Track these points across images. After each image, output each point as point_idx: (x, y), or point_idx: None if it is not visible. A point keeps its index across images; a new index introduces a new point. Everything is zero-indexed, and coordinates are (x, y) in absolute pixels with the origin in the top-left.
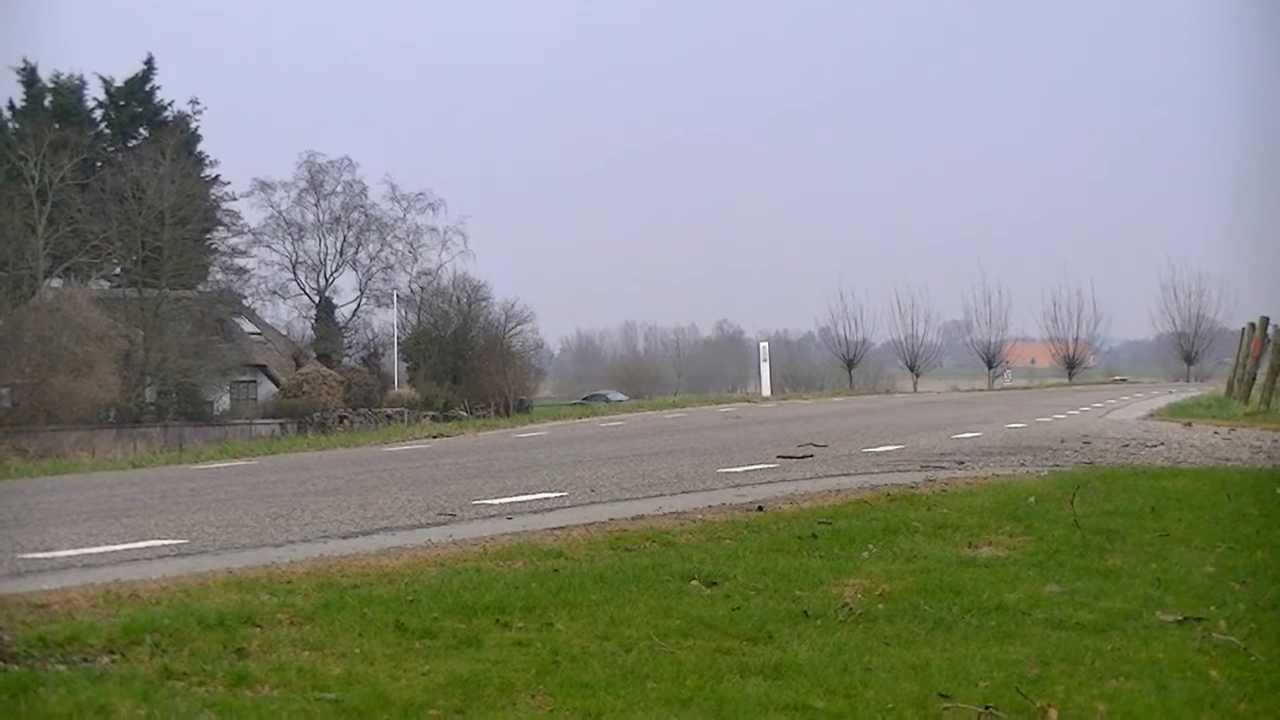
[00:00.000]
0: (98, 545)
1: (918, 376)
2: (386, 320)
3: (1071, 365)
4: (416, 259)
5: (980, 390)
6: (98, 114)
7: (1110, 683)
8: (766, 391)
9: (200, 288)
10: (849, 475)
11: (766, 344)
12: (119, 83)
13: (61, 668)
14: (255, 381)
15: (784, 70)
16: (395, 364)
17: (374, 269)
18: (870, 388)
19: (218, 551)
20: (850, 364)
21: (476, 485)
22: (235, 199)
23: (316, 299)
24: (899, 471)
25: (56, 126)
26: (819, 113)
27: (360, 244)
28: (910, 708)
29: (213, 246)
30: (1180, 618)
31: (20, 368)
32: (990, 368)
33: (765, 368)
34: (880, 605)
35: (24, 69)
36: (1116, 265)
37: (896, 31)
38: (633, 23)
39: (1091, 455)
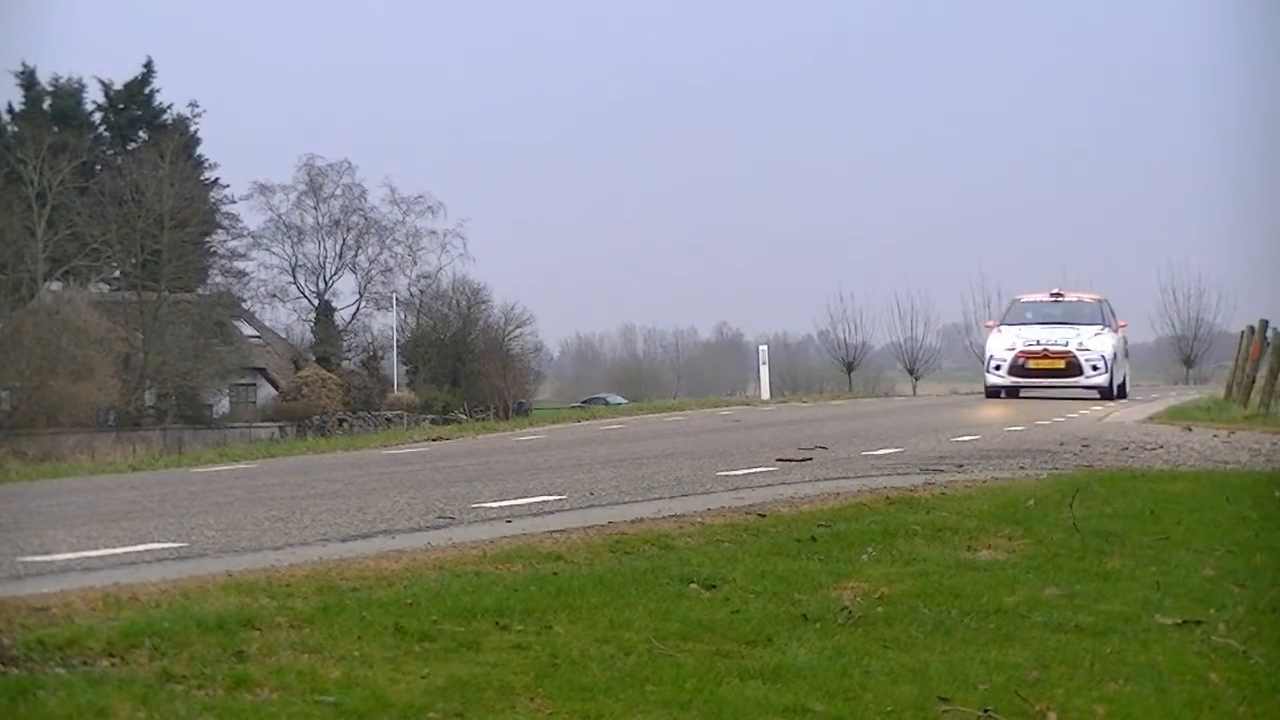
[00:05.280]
0: (97, 548)
1: (917, 379)
2: (386, 323)
3: None
4: (416, 262)
5: (979, 393)
6: (97, 117)
7: (1110, 685)
8: (766, 395)
9: (199, 291)
10: (848, 478)
11: (766, 347)
12: (118, 86)
13: (61, 671)
14: (254, 384)
15: (781, 70)
16: (394, 367)
17: (373, 272)
18: (870, 391)
19: (217, 555)
20: (849, 367)
21: (476, 488)
22: (234, 202)
23: (316, 302)
24: (898, 474)
25: (55, 130)
26: (816, 114)
27: (360, 247)
28: (909, 710)
29: (212, 250)
30: (1179, 621)
31: (20, 371)
32: None
33: (764, 371)
34: (879, 608)
35: (23, 72)
36: (1116, 268)
37: (894, 31)
38: (632, 25)
39: (1090, 458)
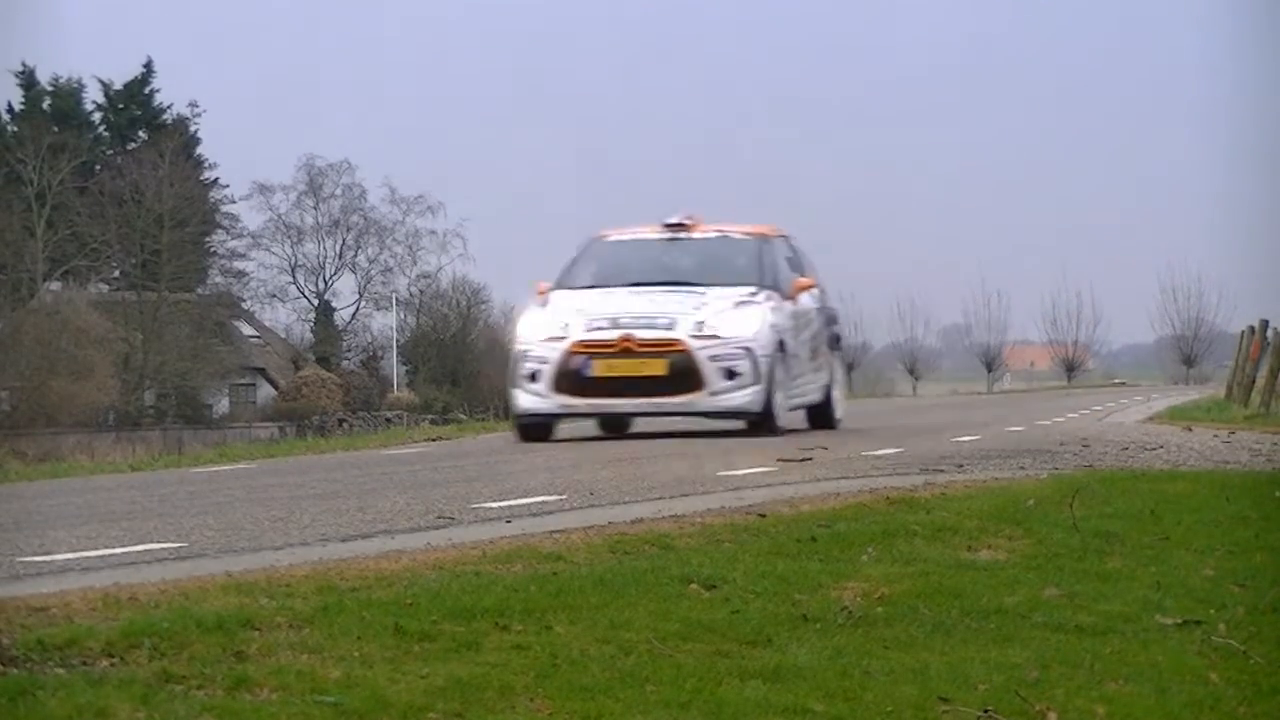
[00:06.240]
0: (96, 549)
1: (917, 380)
2: (385, 323)
3: (1071, 368)
4: (415, 262)
5: (979, 393)
6: (96, 117)
7: (1110, 686)
8: None
9: (199, 291)
10: (848, 478)
11: None
12: (118, 86)
13: (60, 671)
14: (254, 384)
15: (782, 68)
16: (394, 367)
17: (373, 272)
18: (870, 391)
19: (216, 555)
20: (850, 367)
21: (475, 488)
22: (234, 202)
23: (315, 302)
24: (898, 475)
25: (55, 129)
26: (816, 113)
27: (359, 247)
28: (909, 711)
29: (211, 249)
30: (1180, 621)
31: (19, 371)
32: (989, 371)
33: None
34: (879, 608)
35: (22, 72)
36: (1116, 268)
37: (893, 35)
38: (629, 25)
39: (1091, 458)
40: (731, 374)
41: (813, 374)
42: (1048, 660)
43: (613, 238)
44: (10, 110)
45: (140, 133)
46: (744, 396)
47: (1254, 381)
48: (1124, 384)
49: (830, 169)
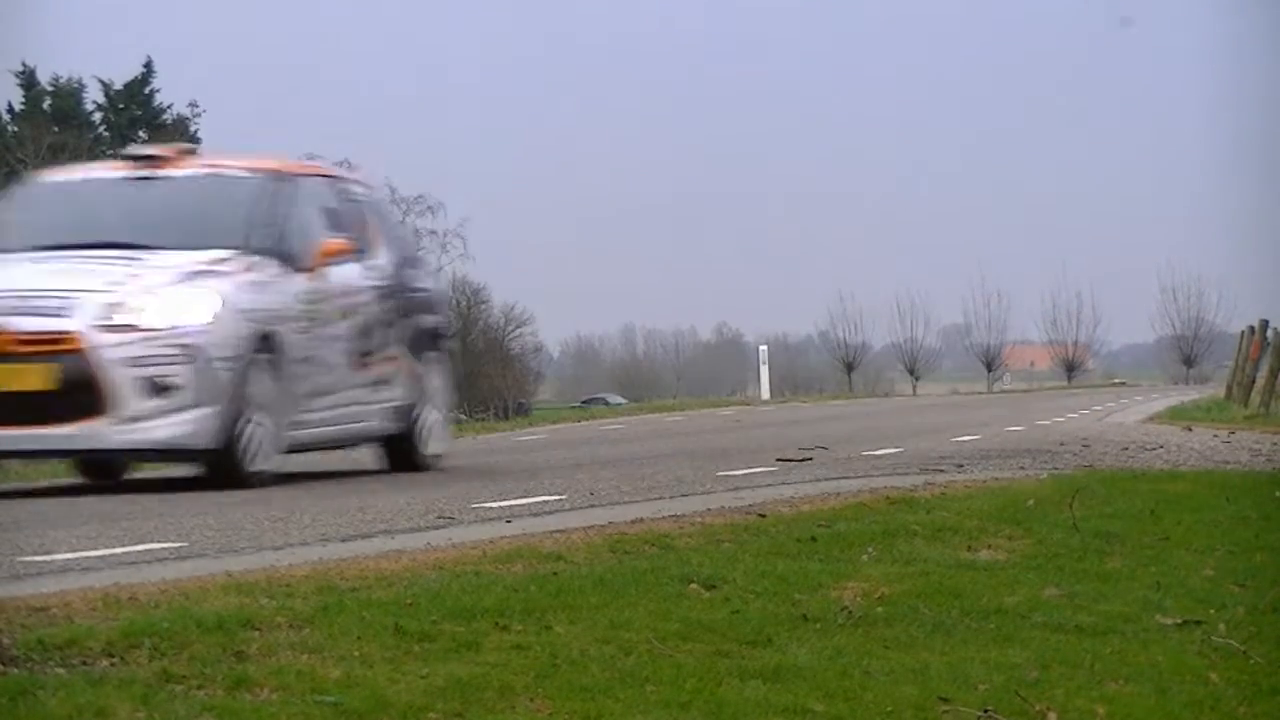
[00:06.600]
0: (97, 549)
1: (917, 380)
2: None
3: (1071, 368)
4: None
5: (979, 393)
6: (97, 117)
7: (1110, 686)
8: (766, 395)
9: None
10: (848, 478)
11: (766, 347)
12: (118, 86)
13: (60, 671)
14: None
15: (783, 71)
16: None
17: None
18: (870, 391)
19: (216, 555)
20: (850, 367)
21: (475, 488)
22: None
23: None
24: (898, 475)
25: (56, 129)
26: (817, 111)
27: None
28: (909, 711)
29: None
30: (1180, 621)
31: None
32: (989, 371)
33: (765, 371)
34: (879, 608)
35: (23, 72)
36: (1116, 268)
37: (890, 32)
38: (628, 26)
39: (1091, 458)
40: (159, 387)
41: (365, 389)
42: (1048, 660)
43: (53, 178)
44: (10, 110)
45: (140, 133)
46: (179, 424)
47: (1254, 381)
48: (1124, 384)
49: (830, 168)
